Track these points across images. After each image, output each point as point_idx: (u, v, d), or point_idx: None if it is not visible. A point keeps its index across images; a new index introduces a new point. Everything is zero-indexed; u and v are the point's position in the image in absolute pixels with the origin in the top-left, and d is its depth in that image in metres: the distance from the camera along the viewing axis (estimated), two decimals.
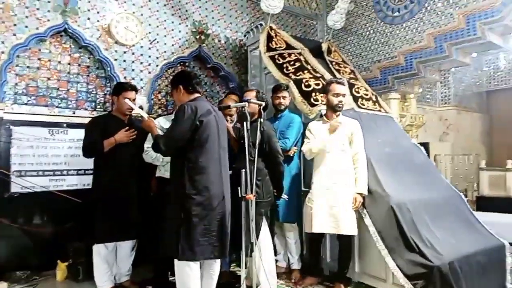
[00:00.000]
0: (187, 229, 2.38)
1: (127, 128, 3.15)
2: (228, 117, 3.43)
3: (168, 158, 2.84)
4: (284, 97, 3.69)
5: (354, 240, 3.30)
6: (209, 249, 2.43)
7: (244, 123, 2.65)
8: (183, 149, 2.46)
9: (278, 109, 3.72)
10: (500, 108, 8.82)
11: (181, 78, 2.72)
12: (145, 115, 2.74)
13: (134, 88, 3.28)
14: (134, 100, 3.21)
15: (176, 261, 2.44)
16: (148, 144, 3.04)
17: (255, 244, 2.61)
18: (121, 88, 3.22)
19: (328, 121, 3.31)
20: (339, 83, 3.30)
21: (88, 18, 4.07)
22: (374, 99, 4.26)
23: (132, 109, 3.06)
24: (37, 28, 3.77)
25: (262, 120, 2.94)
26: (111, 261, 3.19)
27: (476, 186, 7.21)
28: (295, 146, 3.57)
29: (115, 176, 3.11)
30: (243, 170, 2.58)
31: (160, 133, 2.63)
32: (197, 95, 2.66)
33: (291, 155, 3.55)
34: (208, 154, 2.49)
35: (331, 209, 3.12)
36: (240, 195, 2.56)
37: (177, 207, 2.43)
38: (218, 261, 2.61)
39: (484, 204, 6.29)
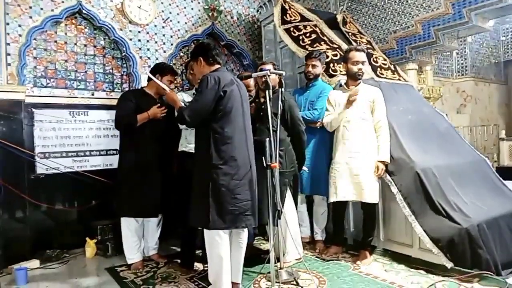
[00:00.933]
0: (216, 199, 2.39)
1: (159, 104, 3.18)
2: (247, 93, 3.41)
3: None
4: (314, 66, 3.48)
5: (378, 207, 3.29)
6: (239, 218, 2.43)
7: (266, 92, 2.64)
8: (208, 119, 2.45)
9: (307, 77, 3.56)
10: None
11: (201, 50, 2.69)
12: (168, 88, 2.74)
13: (176, 73, 3.69)
14: (171, 83, 3.32)
15: (206, 231, 2.46)
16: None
17: (281, 212, 2.62)
18: (167, 70, 3.29)
19: (347, 89, 3.27)
20: (358, 50, 3.24)
21: None
22: (392, 68, 4.20)
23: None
24: (52, 10, 3.77)
25: (283, 90, 2.92)
26: (140, 234, 3.26)
27: (496, 156, 7.13)
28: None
29: (141, 155, 3.15)
30: (267, 139, 2.59)
31: (183, 105, 2.62)
32: (217, 66, 2.64)
33: (318, 127, 3.38)
34: (233, 124, 2.47)
35: (353, 177, 3.11)
36: (265, 164, 2.57)
37: (205, 178, 2.43)
38: (246, 230, 2.63)
39: (505, 174, 6.18)
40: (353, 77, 3.24)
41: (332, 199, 3.21)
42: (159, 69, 3.27)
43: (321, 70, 3.59)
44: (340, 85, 3.48)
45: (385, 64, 4.14)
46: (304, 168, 3.38)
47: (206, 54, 2.63)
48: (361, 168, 3.10)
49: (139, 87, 3.89)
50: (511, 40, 8.65)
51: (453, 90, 7.86)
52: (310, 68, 3.52)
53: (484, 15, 4.54)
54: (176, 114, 2.58)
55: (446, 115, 5.27)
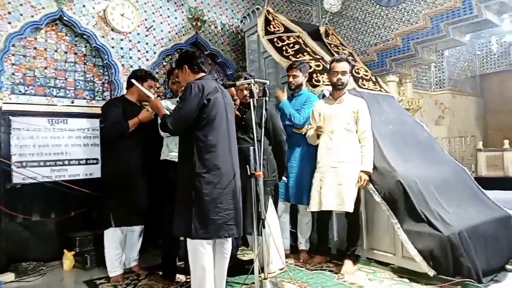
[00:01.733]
0: (199, 208, 2.35)
1: (146, 109, 3.18)
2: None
3: None
4: (295, 76, 3.57)
5: (362, 216, 3.30)
6: (222, 228, 2.39)
7: (251, 100, 2.64)
8: (192, 127, 2.42)
9: (290, 88, 3.65)
10: (494, 91, 8.94)
11: (186, 58, 2.67)
12: (152, 96, 2.72)
13: (156, 79, 3.64)
14: (152, 88, 3.31)
15: (189, 241, 2.41)
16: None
17: (265, 221, 2.60)
18: (147, 76, 3.31)
19: (331, 100, 3.31)
20: (337, 60, 3.28)
21: (84, 5, 4.00)
22: (374, 79, 4.27)
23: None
24: (32, 16, 3.70)
25: (267, 99, 2.92)
26: (123, 246, 3.19)
27: (474, 167, 7.30)
28: (309, 124, 3.45)
29: (127, 162, 3.10)
30: (252, 147, 2.57)
31: (167, 113, 2.60)
32: (202, 74, 2.63)
33: (303, 133, 3.44)
34: (217, 132, 2.45)
35: (337, 187, 3.12)
36: (249, 173, 2.56)
37: (188, 187, 2.39)
38: (230, 239, 2.59)
39: (483, 185, 6.35)
40: (334, 87, 3.29)
41: (315, 208, 3.21)
42: (139, 76, 3.26)
43: (303, 80, 3.64)
44: (324, 96, 3.51)
45: (367, 76, 4.22)
46: (284, 178, 3.40)
47: (191, 62, 2.62)
48: (345, 178, 3.12)
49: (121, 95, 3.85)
50: (486, 55, 8.97)
51: (432, 102, 8.07)
52: (291, 79, 3.60)
53: (461, 29, 4.70)
54: (159, 121, 2.55)
55: (426, 125, 5.40)
